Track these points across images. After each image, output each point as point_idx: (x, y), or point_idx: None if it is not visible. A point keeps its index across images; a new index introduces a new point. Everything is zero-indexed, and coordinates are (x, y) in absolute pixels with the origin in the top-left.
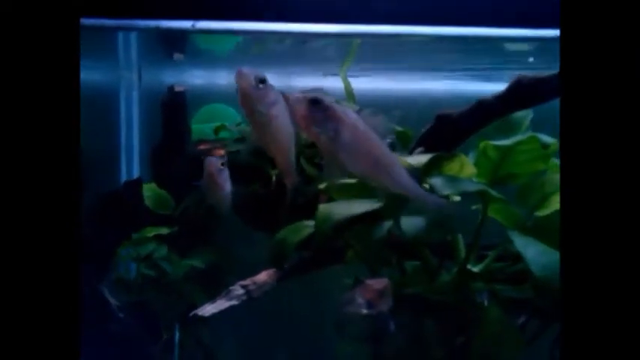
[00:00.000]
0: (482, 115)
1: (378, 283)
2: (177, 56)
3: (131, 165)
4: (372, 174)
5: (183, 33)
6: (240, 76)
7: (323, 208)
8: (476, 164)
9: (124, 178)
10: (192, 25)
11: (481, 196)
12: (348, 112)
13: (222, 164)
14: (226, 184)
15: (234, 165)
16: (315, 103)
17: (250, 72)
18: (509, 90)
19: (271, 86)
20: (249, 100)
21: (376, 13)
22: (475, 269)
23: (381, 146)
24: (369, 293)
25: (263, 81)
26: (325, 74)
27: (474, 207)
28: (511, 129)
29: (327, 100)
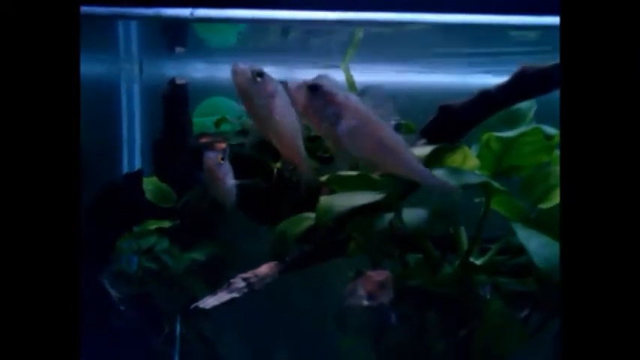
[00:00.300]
0: (485, 106)
1: (378, 275)
2: (178, 50)
3: (132, 158)
4: (377, 157)
5: (183, 23)
6: (235, 72)
7: (324, 200)
8: (479, 156)
9: (125, 171)
10: (191, 13)
11: (484, 189)
12: (350, 96)
13: (222, 158)
14: (227, 178)
15: (236, 158)
16: (315, 89)
17: (246, 66)
18: (512, 80)
19: (270, 78)
20: (247, 94)
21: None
22: (478, 262)
23: (385, 128)
24: (369, 285)
25: (260, 74)
26: (327, 66)
27: (476, 199)
28: (515, 121)
29: (327, 85)
